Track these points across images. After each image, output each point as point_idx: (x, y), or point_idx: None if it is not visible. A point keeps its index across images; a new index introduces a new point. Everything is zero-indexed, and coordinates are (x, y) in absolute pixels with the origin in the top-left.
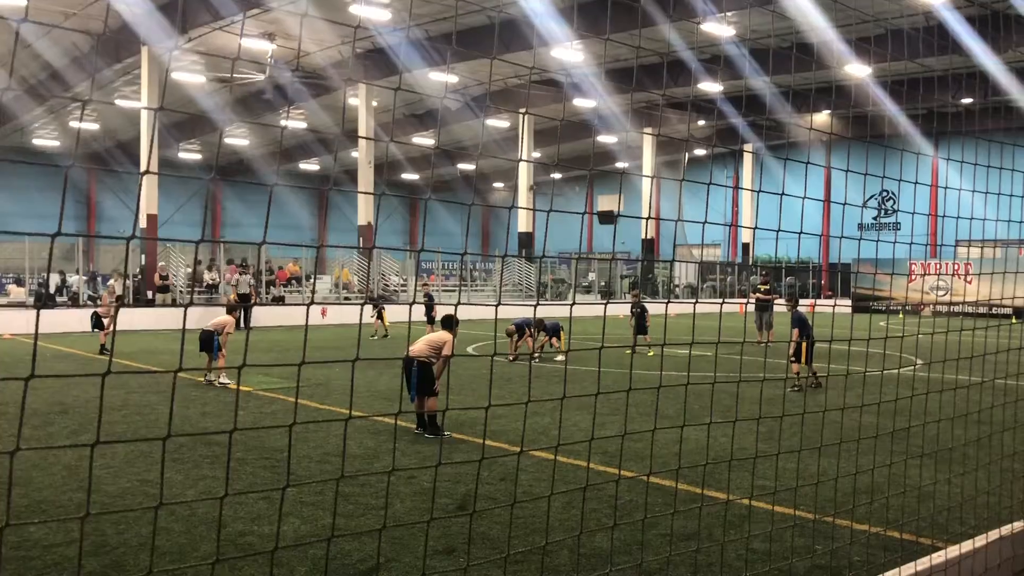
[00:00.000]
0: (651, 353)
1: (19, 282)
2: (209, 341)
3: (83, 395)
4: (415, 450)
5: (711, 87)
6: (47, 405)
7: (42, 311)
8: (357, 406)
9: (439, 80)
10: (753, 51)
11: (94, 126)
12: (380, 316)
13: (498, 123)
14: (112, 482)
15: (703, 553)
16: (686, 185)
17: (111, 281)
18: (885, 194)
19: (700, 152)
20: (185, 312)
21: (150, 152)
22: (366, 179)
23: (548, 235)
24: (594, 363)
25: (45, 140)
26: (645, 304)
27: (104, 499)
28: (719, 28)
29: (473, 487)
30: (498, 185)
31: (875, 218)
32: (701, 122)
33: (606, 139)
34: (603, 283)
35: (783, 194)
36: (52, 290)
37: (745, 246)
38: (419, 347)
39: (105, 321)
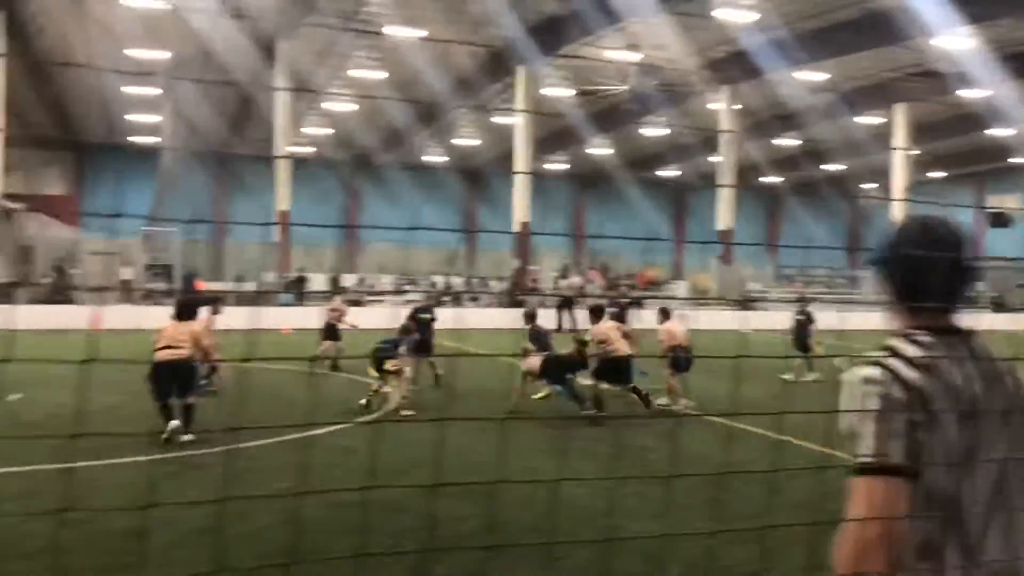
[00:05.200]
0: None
1: (413, 282)
2: None
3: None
4: None
5: None
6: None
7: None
8: None
9: (806, 79)
10: None
11: (476, 142)
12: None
13: (869, 120)
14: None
15: None
16: None
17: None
18: None
19: None
20: (559, 314)
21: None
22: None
23: None
24: None
25: (432, 156)
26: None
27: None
28: None
29: None
30: (871, 186)
31: None
32: None
33: (999, 132)
34: (995, 294)
35: None
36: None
37: None
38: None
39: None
